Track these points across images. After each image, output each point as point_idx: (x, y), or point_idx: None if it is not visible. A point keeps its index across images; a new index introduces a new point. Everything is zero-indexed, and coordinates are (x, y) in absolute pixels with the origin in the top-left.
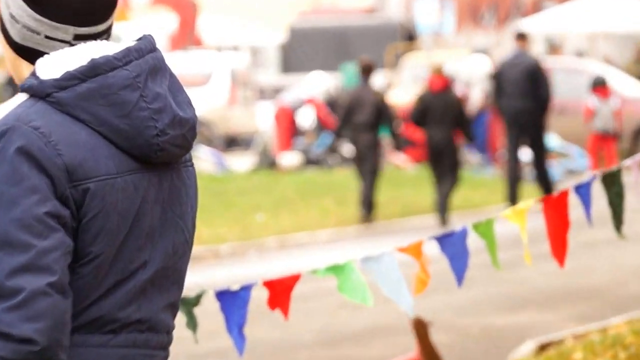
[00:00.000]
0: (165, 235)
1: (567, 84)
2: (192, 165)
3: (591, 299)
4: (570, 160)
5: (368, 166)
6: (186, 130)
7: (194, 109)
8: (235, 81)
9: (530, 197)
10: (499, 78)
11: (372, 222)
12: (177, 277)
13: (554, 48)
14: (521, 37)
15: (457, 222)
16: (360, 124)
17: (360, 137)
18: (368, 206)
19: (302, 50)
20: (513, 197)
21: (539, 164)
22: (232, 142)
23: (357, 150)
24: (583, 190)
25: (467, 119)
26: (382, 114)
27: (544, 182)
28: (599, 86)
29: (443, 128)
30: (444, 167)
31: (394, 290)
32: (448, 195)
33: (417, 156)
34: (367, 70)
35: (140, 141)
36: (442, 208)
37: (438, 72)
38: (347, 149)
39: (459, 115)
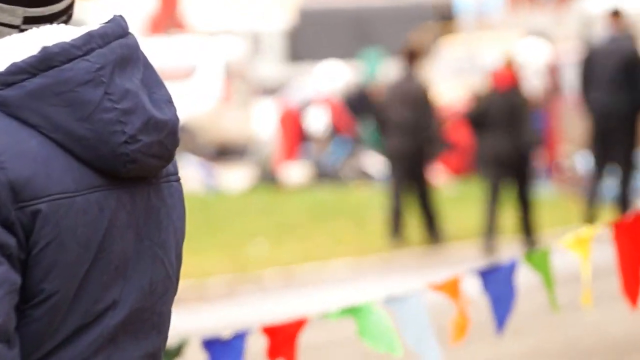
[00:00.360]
0: (141, 268)
1: None
2: (177, 180)
3: None
4: None
5: (415, 179)
6: (164, 136)
7: (174, 109)
8: (229, 74)
9: (604, 220)
10: (587, 67)
11: (439, 243)
12: (157, 320)
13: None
14: (615, 14)
15: (504, 251)
16: (401, 124)
17: (402, 141)
18: (432, 228)
19: (313, 36)
20: (592, 220)
21: (626, 180)
22: (224, 152)
23: (396, 158)
24: None
25: (528, 120)
26: (425, 112)
27: (626, 203)
28: None
29: (509, 135)
30: (508, 184)
31: (418, 338)
32: (526, 223)
33: (456, 166)
34: (413, 57)
35: (104, 150)
36: (527, 238)
37: (509, 64)
38: (371, 160)
39: (521, 117)
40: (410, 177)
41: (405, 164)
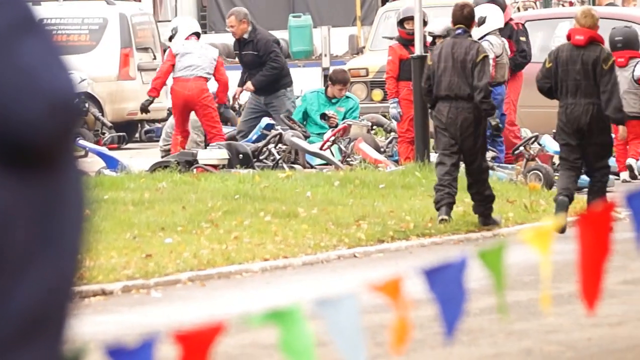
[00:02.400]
0: (39, 267)
1: None
2: (77, 163)
3: None
4: None
5: (472, 157)
6: (71, 109)
7: (76, 80)
8: (128, 38)
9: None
10: None
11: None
12: (57, 329)
13: None
14: None
15: (456, 247)
16: (453, 92)
17: (454, 113)
18: (487, 210)
19: (225, 4)
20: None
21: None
22: (121, 127)
23: (451, 132)
24: (637, 203)
25: (613, 85)
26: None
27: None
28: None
29: (588, 97)
30: (586, 155)
31: (347, 347)
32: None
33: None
34: (468, 18)
35: (7, 125)
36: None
37: (586, 15)
38: (291, 139)
39: (605, 80)
40: (468, 154)
41: (464, 139)
